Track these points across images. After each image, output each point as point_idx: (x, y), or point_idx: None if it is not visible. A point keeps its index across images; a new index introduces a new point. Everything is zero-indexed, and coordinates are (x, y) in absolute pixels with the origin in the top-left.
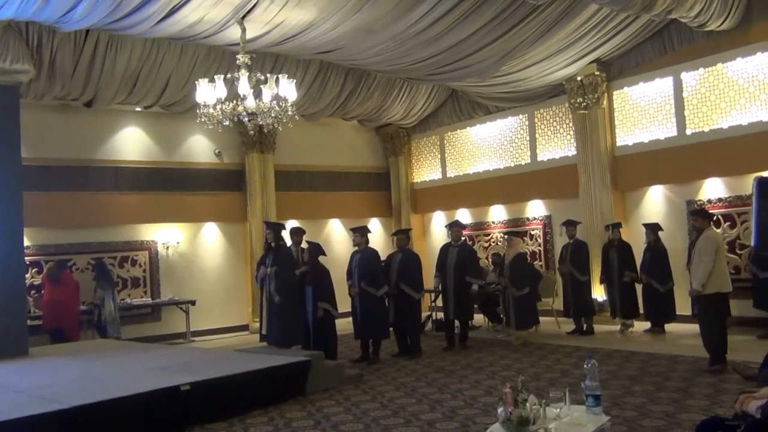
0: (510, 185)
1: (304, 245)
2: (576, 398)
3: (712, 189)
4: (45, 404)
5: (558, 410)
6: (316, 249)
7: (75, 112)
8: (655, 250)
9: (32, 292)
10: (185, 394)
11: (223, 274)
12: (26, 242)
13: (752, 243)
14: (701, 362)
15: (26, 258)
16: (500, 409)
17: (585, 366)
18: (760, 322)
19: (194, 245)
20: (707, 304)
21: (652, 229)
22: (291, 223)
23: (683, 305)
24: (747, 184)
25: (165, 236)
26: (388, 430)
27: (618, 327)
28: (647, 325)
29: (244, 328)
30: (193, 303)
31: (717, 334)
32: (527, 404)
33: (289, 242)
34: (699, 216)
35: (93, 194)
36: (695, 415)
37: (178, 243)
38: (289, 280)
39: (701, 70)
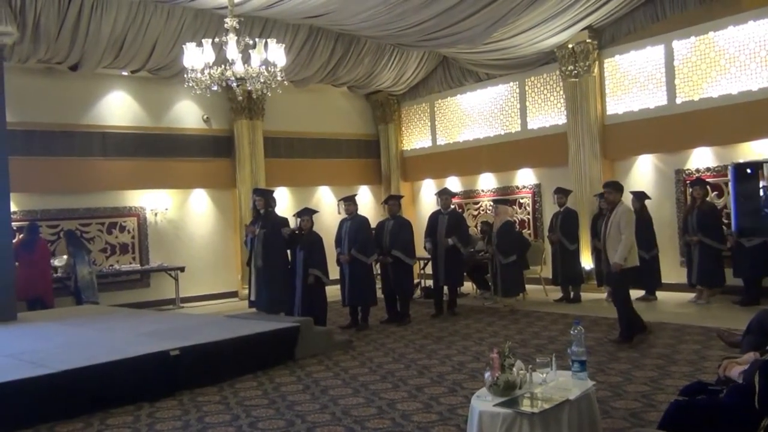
0: (500, 153)
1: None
2: (562, 364)
3: (701, 158)
4: (33, 368)
5: (544, 375)
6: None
7: (61, 76)
8: (641, 218)
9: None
10: (174, 359)
11: (213, 240)
12: (13, 207)
13: (732, 229)
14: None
15: (13, 223)
16: (487, 374)
17: (571, 332)
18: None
19: (183, 212)
20: (626, 278)
21: (638, 197)
22: (280, 190)
23: (668, 273)
24: (736, 154)
25: (153, 203)
26: (377, 394)
27: (605, 295)
28: (637, 293)
29: (233, 294)
30: (182, 269)
31: (631, 309)
32: (514, 369)
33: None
34: (612, 188)
35: (80, 159)
36: (679, 380)
37: (166, 209)
38: (275, 246)
39: (693, 38)
